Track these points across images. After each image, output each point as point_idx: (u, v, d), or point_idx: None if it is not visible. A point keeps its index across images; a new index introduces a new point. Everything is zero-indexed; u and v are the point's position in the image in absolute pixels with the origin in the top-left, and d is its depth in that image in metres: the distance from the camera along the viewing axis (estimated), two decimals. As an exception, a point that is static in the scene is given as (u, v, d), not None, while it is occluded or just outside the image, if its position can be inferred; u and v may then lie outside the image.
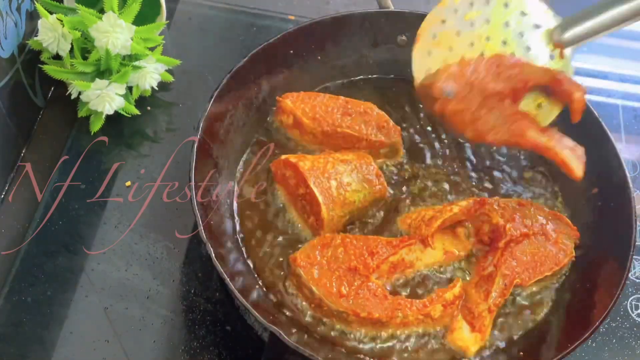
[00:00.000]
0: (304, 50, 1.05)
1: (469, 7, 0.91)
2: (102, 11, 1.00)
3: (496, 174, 1.02)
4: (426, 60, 0.92)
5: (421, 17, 1.07)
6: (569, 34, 0.88)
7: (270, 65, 1.02)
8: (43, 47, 1.01)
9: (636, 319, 0.99)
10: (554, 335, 0.88)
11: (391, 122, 0.99)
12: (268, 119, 1.03)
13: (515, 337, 0.89)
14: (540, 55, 0.90)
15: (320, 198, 0.89)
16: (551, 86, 0.89)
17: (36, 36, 1.01)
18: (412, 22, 1.07)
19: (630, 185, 0.92)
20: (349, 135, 0.98)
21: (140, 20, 1.04)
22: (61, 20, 0.99)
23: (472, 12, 0.91)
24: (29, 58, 1.03)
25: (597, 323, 0.82)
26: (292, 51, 1.03)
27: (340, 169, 0.93)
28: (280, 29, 1.03)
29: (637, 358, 0.96)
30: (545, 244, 0.91)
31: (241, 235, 0.94)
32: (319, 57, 1.06)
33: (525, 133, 0.87)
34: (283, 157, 0.94)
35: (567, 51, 0.90)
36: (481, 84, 0.87)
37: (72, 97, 1.04)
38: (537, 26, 0.90)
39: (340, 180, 0.92)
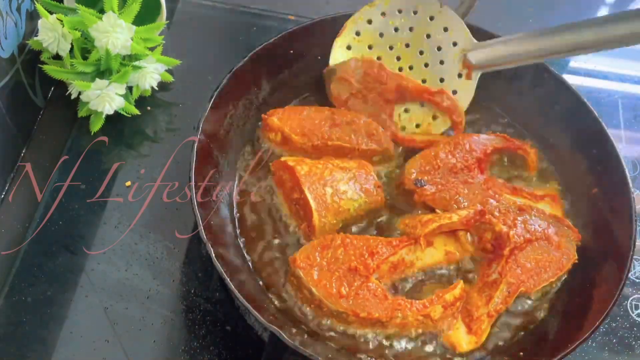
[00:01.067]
0: (304, 50, 1.04)
1: (396, 14, 0.99)
2: (102, 11, 1.00)
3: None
4: (344, 52, 1.01)
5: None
6: (480, 59, 0.98)
7: (270, 65, 1.02)
8: (43, 47, 1.01)
9: (636, 319, 0.99)
10: (554, 335, 0.88)
11: (380, 129, 0.99)
12: (256, 133, 1.02)
13: (515, 337, 0.89)
14: (450, 71, 1.00)
15: (313, 204, 0.89)
16: (508, 149, 1.01)
17: (36, 36, 1.01)
18: (412, 22, 1.07)
19: (630, 185, 0.92)
20: (341, 147, 0.97)
21: (140, 20, 1.04)
22: (61, 20, 0.99)
23: (398, 19, 0.99)
24: (29, 58, 1.03)
25: (597, 323, 0.82)
26: (292, 51, 1.03)
27: (337, 177, 0.92)
28: (280, 29, 1.03)
29: (637, 358, 0.96)
30: (549, 248, 0.90)
31: (241, 235, 0.93)
32: (319, 57, 1.06)
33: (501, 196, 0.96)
34: (283, 158, 0.94)
35: (474, 74, 0.99)
36: (446, 165, 0.95)
37: (72, 97, 1.05)
38: (454, 44, 0.99)
39: (337, 187, 0.91)
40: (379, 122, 1.00)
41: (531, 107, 1.05)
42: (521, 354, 0.87)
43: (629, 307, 1.00)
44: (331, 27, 1.04)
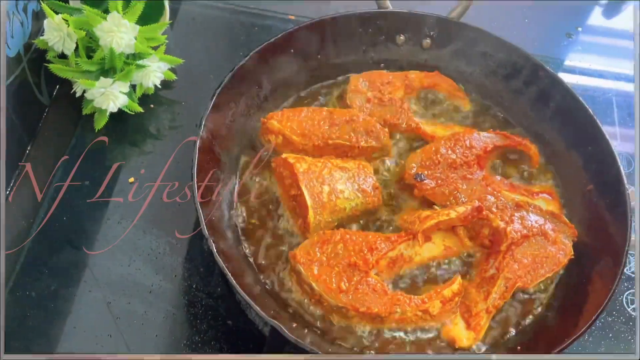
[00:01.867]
0: (304, 50, 1.06)
1: None
2: (106, 11, 1.01)
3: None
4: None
5: (419, 17, 1.09)
6: None
7: (271, 64, 1.03)
8: (49, 46, 1.02)
9: (632, 313, 0.99)
10: (551, 330, 0.88)
11: (378, 125, 1.00)
12: (256, 133, 1.02)
13: (513, 332, 0.89)
14: None
15: (309, 201, 0.89)
16: (509, 146, 1.01)
17: (42, 35, 1.02)
18: (410, 22, 1.09)
19: (625, 181, 0.93)
20: (341, 145, 0.98)
21: (144, 20, 1.05)
22: (66, 20, 1.00)
23: None
24: (35, 57, 1.04)
25: (593, 318, 0.83)
26: (292, 50, 1.04)
27: (336, 176, 0.93)
28: (281, 28, 1.04)
29: (633, 352, 0.96)
30: (545, 244, 0.91)
31: (242, 231, 0.94)
32: (319, 57, 1.07)
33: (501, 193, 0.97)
34: (284, 155, 0.95)
35: None
36: (446, 160, 0.96)
37: (77, 95, 1.05)
38: None
39: (334, 186, 0.92)
40: (396, 120, 1.02)
41: (527, 105, 1.06)
42: (519, 348, 0.87)
43: (624, 302, 1.01)
44: (331, 27, 1.05)
